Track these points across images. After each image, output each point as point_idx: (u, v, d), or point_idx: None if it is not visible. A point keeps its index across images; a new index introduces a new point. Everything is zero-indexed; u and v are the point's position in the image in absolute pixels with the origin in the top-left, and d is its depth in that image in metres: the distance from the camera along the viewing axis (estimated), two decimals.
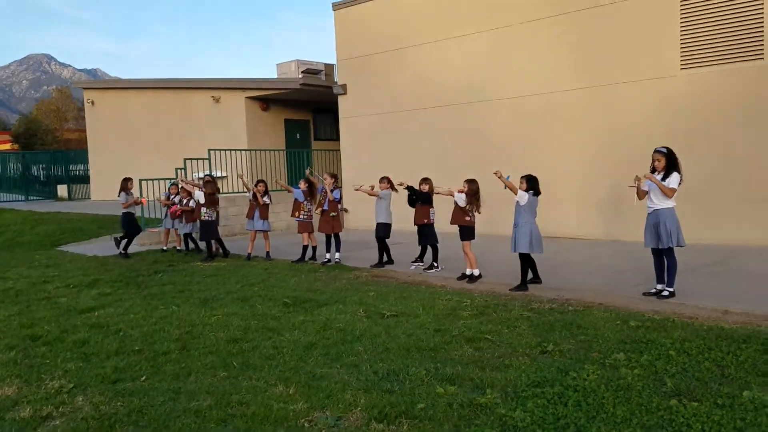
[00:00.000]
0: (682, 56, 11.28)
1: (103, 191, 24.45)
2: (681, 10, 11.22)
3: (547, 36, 12.89)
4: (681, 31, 11.25)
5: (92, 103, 24.99)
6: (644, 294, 7.30)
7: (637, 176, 7.41)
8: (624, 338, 5.33)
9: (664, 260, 7.19)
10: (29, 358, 5.52)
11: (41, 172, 29.28)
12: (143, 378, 4.82)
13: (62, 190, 27.18)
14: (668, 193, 7.05)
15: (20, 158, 29.81)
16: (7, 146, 54.51)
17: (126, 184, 12.17)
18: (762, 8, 10.43)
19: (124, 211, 12.15)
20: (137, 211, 13.03)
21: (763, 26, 10.44)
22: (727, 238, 10.77)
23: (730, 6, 10.73)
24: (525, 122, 13.32)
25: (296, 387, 4.43)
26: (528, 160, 12.57)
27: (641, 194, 7.34)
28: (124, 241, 12.03)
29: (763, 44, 10.46)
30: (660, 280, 7.27)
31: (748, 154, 10.67)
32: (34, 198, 26.91)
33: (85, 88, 26.56)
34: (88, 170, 27.08)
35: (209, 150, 15.75)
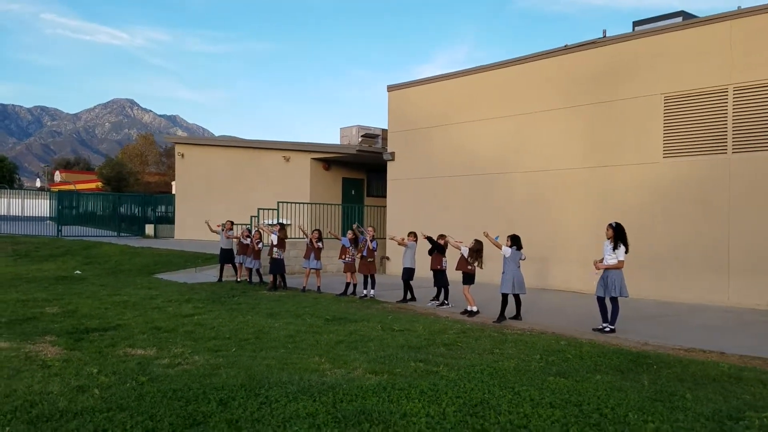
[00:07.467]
0: (664, 147, 13.76)
1: (185, 231, 28.22)
2: (664, 108, 13.77)
3: (559, 123, 15.62)
4: (664, 126, 13.78)
5: (182, 155, 29.07)
6: (593, 329, 9.73)
7: (595, 262, 9.92)
8: (548, 349, 7.85)
9: (606, 305, 9.65)
10: (157, 338, 8.46)
11: (131, 211, 33.43)
12: (233, 350, 7.68)
13: (149, 228, 31.13)
14: (619, 266, 9.52)
15: (113, 199, 34.07)
16: (92, 186, 60.40)
17: (230, 225, 16.32)
18: (726, 110, 12.87)
19: (228, 248, 16.04)
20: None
21: (726, 125, 12.87)
22: (694, 297, 12.98)
23: (701, 107, 13.23)
24: (539, 192, 15.95)
25: (326, 359, 7.18)
26: (540, 224, 15.17)
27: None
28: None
29: (726, 140, 12.86)
30: (605, 320, 9.70)
31: (713, 229, 12.94)
32: (124, 234, 30.93)
33: (176, 143, 30.86)
34: (171, 212, 31.04)
35: (278, 202, 19.01)
